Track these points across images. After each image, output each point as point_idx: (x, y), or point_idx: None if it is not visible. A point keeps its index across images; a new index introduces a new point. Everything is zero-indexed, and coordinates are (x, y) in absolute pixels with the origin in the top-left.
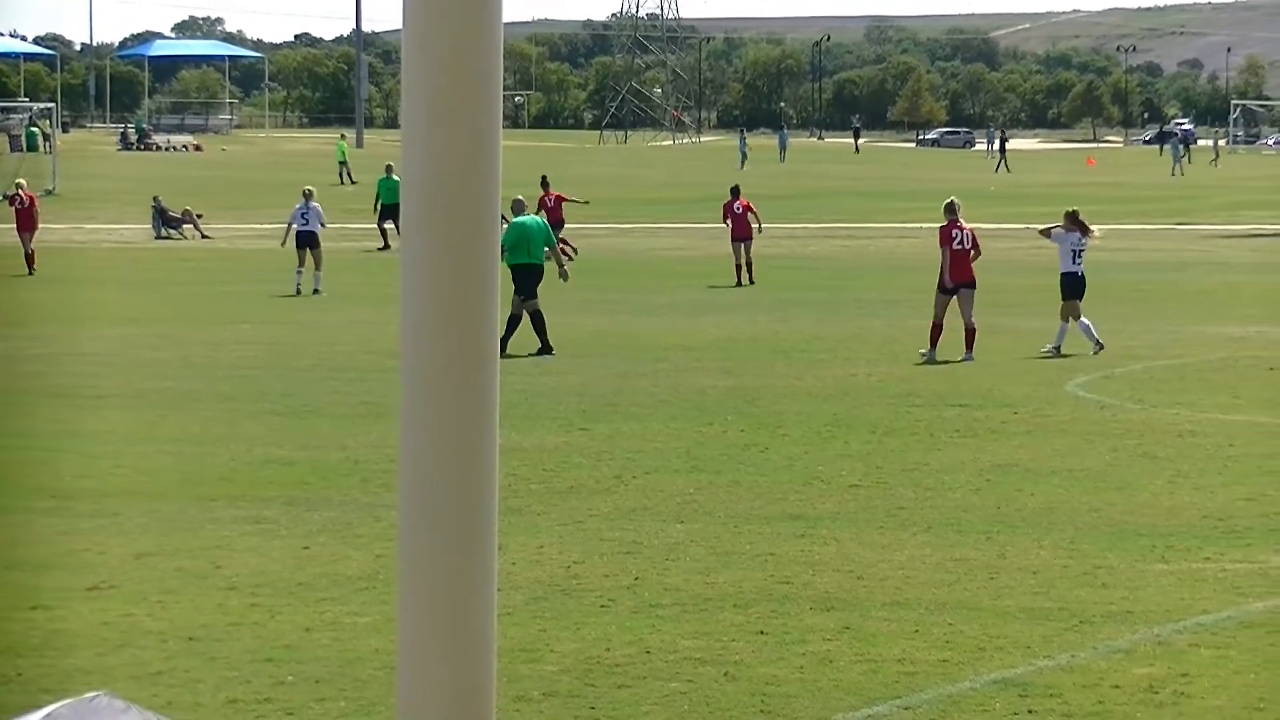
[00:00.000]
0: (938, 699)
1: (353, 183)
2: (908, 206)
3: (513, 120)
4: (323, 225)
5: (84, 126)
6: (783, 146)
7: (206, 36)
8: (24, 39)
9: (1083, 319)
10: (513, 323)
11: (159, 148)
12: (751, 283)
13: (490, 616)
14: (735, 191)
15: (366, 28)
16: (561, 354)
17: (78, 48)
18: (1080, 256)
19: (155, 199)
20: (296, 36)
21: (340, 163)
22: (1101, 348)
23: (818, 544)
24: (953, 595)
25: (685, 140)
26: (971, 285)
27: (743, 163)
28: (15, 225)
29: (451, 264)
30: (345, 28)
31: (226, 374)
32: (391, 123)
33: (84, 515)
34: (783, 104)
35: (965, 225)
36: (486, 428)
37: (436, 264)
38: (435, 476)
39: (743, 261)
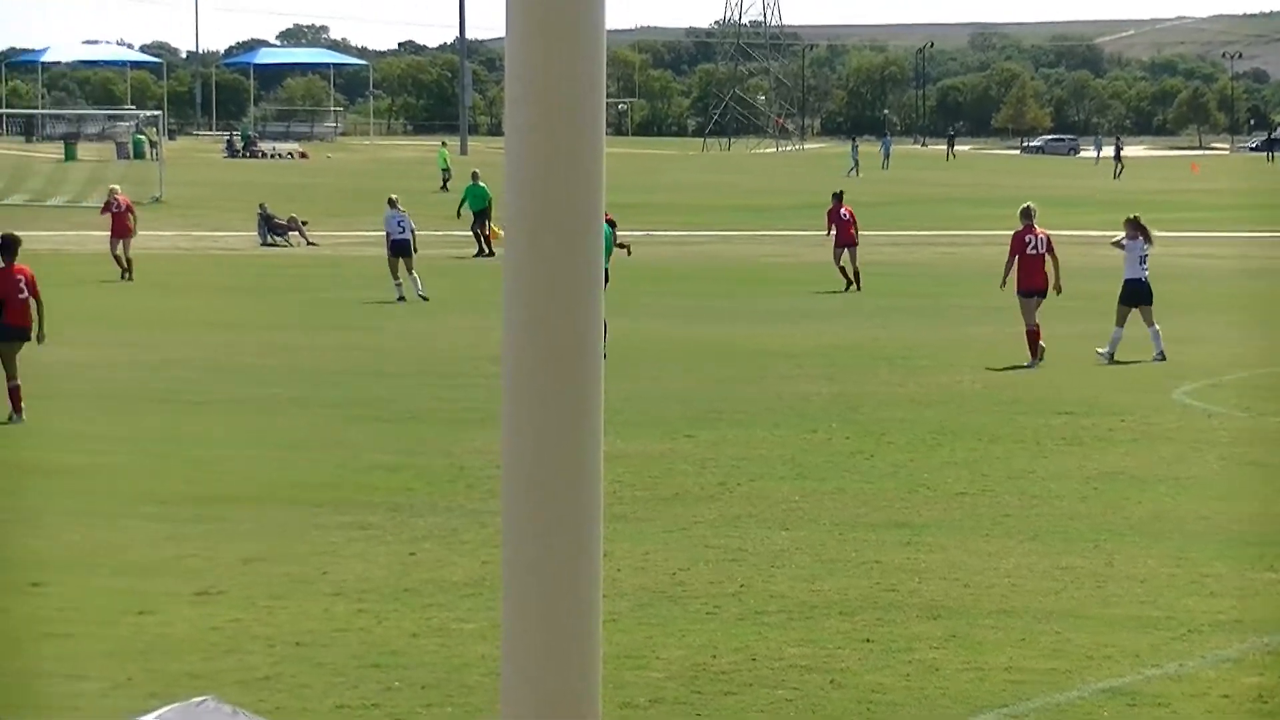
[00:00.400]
0: (1045, 708)
1: (447, 190)
2: (1007, 214)
3: (616, 128)
4: (413, 232)
5: (190, 134)
6: (886, 153)
7: (312, 44)
8: (131, 47)
9: (1153, 325)
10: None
11: (264, 155)
12: (858, 289)
13: (595, 623)
14: (838, 198)
15: (470, 35)
16: (665, 361)
17: (184, 56)
18: (1145, 263)
19: (261, 206)
20: (401, 44)
21: (442, 169)
22: (1111, 359)
23: (923, 552)
24: (1060, 603)
25: (789, 147)
26: (1044, 293)
27: (855, 170)
28: (110, 231)
29: (554, 271)
30: (449, 35)
31: (331, 380)
32: (495, 130)
33: (190, 520)
34: (886, 111)
35: (1040, 231)
36: (591, 434)
37: (539, 271)
38: (539, 483)
39: (847, 266)
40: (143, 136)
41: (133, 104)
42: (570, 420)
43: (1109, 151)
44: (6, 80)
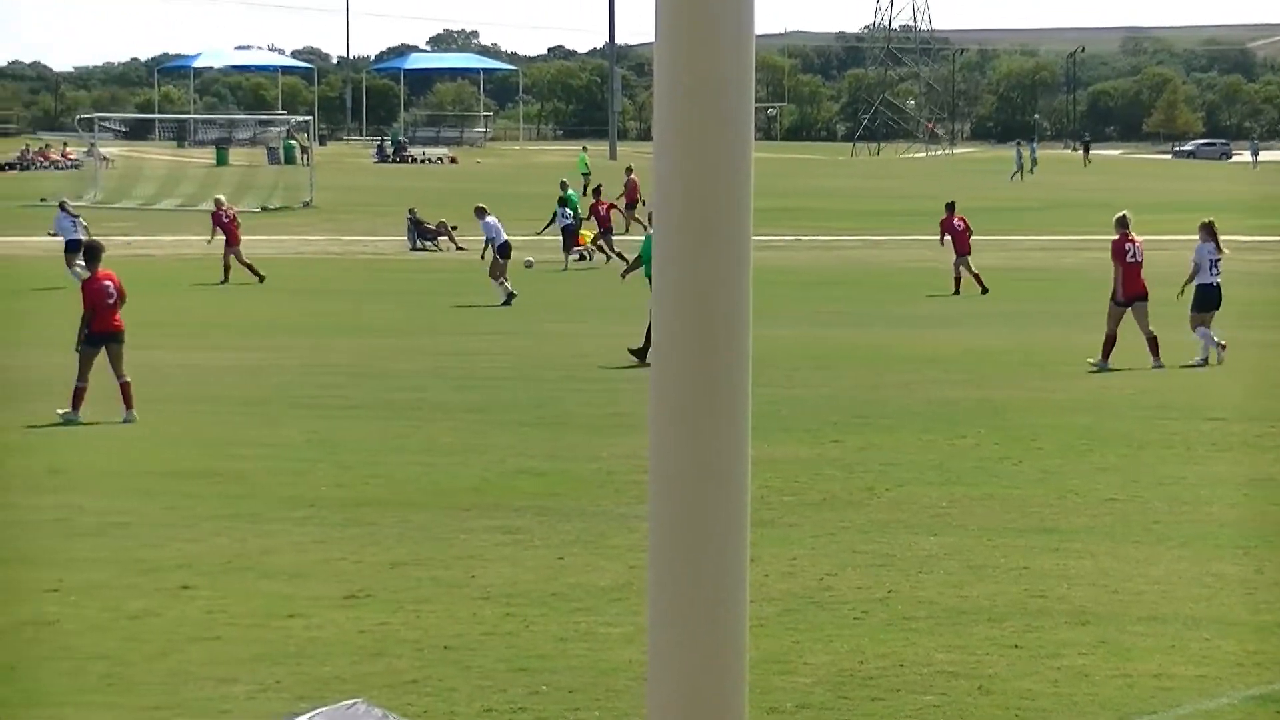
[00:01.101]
0: (1195, 714)
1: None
2: (1158, 219)
3: (765, 132)
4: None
5: (341, 139)
6: (1033, 159)
7: (462, 50)
8: (282, 52)
9: (1206, 328)
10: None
11: (414, 160)
12: (984, 291)
13: (742, 628)
14: (951, 207)
15: (620, 40)
16: (812, 366)
17: (335, 61)
18: (1217, 268)
19: (410, 211)
20: (550, 49)
21: (583, 174)
22: (1205, 363)
23: (1072, 558)
24: (1210, 610)
25: (938, 152)
26: (1145, 298)
27: (1020, 174)
28: (226, 240)
29: (704, 276)
30: (599, 41)
31: (477, 384)
32: (644, 135)
33: (339, 525)
34: (1036, 115)
35: (1136, 239)
36: (738, 439)
37: (689, 276)
38: (686, 488)
39: (966, 274)
40: (293, 142)
41: (284, 109)
42: (718, 425)
43: (1269, 155)
44: (159, 86)
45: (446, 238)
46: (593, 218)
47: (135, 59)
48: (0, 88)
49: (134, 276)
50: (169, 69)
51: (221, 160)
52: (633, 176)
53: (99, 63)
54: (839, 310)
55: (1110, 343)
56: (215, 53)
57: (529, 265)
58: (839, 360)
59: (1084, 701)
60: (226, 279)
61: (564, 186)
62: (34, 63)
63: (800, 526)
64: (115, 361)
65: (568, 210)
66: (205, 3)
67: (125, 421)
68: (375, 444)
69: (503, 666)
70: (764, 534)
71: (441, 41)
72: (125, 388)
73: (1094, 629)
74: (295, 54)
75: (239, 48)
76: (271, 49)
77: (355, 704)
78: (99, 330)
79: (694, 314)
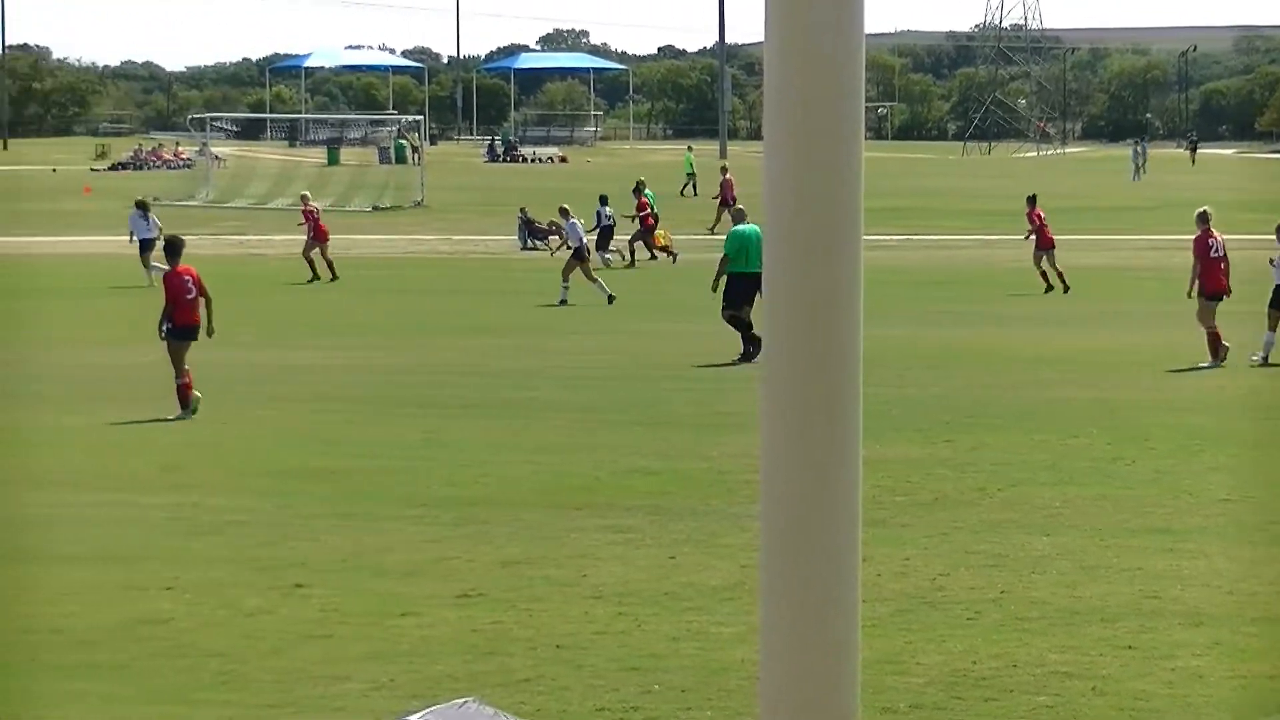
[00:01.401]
0: None
1: (695, 194)
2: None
3: (876, 131)
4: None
5: (451, 138)
6: (1145, 158)
7: (572, 49)
8: (393, 52)
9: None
10: (738, 324)
11: (525, 159)
12: (1066, 290)
13: (854, 628)
14: (1032, 201)
15: (730, 40)
16: (923, 365)
17: (445, 61)
18: None
19: (522, 210)
20: (660, 49)
21: (688, 174)
22: (1265, 364)
23: (1186, 559)
24: None
25: (1050, 151)
26: (1225, 295)
27: (1138, 173)
28: (311, 237)
29: (814, 276)
30: (709, 40)
31: (586, 383)
32: (754, 134)
33: (451, 523)
34: (1148, 115)
35: (1218, 235)
36: (849, 439)
37: (799, 276)
38: (797, 487)
39: (1049, 270)
40: (404, 141)
41: (395, 109)
42: (829, 425)
43: None
44: (271, 86)
45: (557, 237)
46: (636, 216)
47: (247, 59)
48: (114, 87)
49: (246, 276)
50: (280, 69)
51: (333, 160)
52: (728, 176)
53: (211, 62)
54: (950, 310)
55: (1215, 340)
56: (327, 52)
57: (607, 263)
58: (950, 360)
59: (1199, 703)
60: (316, 276)
61: (641, 185)
62: (146, 62)
63: (913, 526)
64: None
65: (607, 210)
66: (317, 3)
67: (179, 417)
68: (487, 443)
69: (615, 665)
70: (876, 534)
71: (552, 41)
72: (184, 388)
73: (1208, 630)
74: (406, 54)
75: (350, 47)
76: (382, 49)
77: (467, 703)
78: (183, 324)
79: (805, 314)
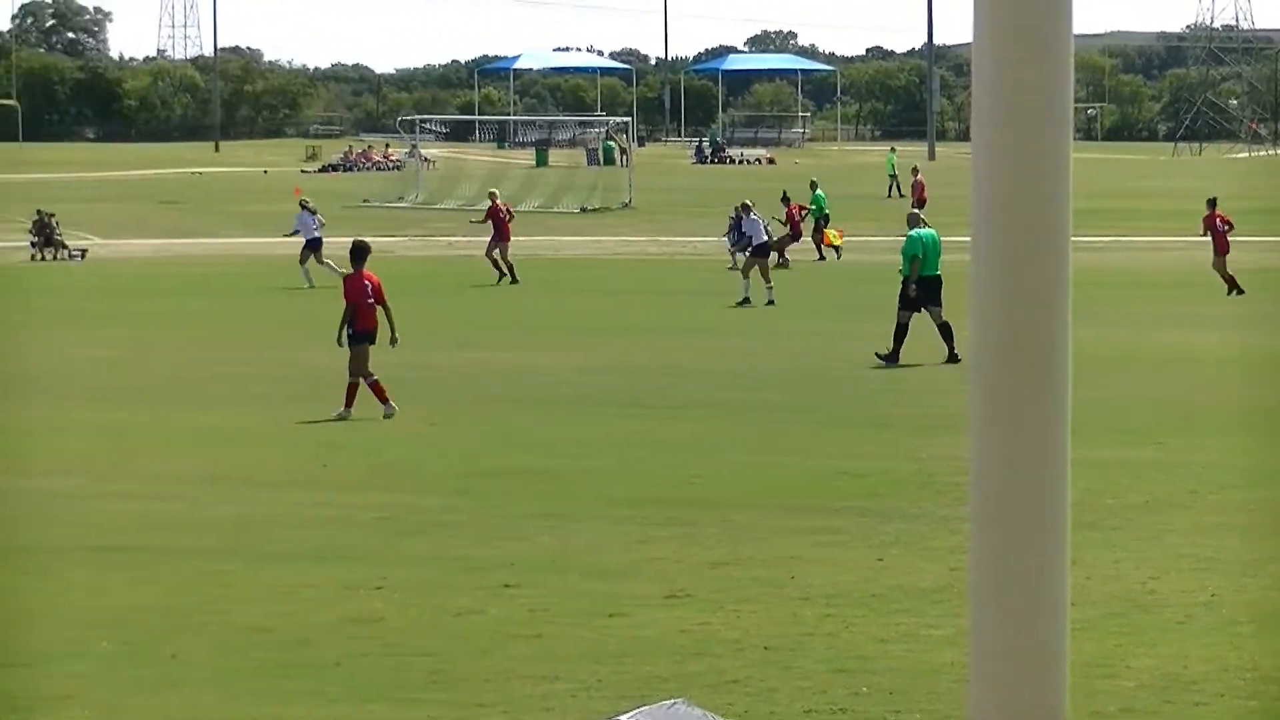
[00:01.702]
0: None
1: (900, 196)
2: None
3: (1085, 132)
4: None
5: (659, 140)
6: None
7: (779, 50)
8: (601, 54)
9: None
10: (902, 331)
11: (733, 160)
12: (1240, 293)
13: (1063, 631)
14: (1212, 204)
15: (938, 41)
16: (1132, 368)
17: (653, 62)
18: None
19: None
20: (869, 50)
21: (890, 175)
22: None
23: None
24: None
25: (1262, 152)
26: None
27: None
28: (495, 236)
29: (1022, 277)
30: (917, 41)
31: (790, 384)
32: (963, 135)
33: (660, 524)
34: None
35: None
36: (1058, 440)
37: (1007, 277)
38: (1007, 490)
39: (1225, 273)
40: (612, 143)
41: (603, 110)
42: (1038, 427)
43: None
44: (479, 88)
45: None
46: (787, 224)
47: (455, 61)
48: (324, 89)
49: (454, 277)
50: (489, 71)
51: (541, 161)
52: (919, 177)
53: (420, 64)
54: (1160, 312)
55: None
56: (535, 54)
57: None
58: (1160, 362)
59: None
60: (503, 276)
61: (814, 185)
62: (356, 64)
63: (1123, 529)
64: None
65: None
66: (524, 5)
67: (339, 418)
68: (695, 443)
69: (823, 667)
70: (1086, 537)
71: (759, 42)
72: (352, 389)
73: None
74: (614, 55)
75: (558, 49)
76: (590, 50)
77: (675, 704)
78: (362, 329)
79: (1013, 315)
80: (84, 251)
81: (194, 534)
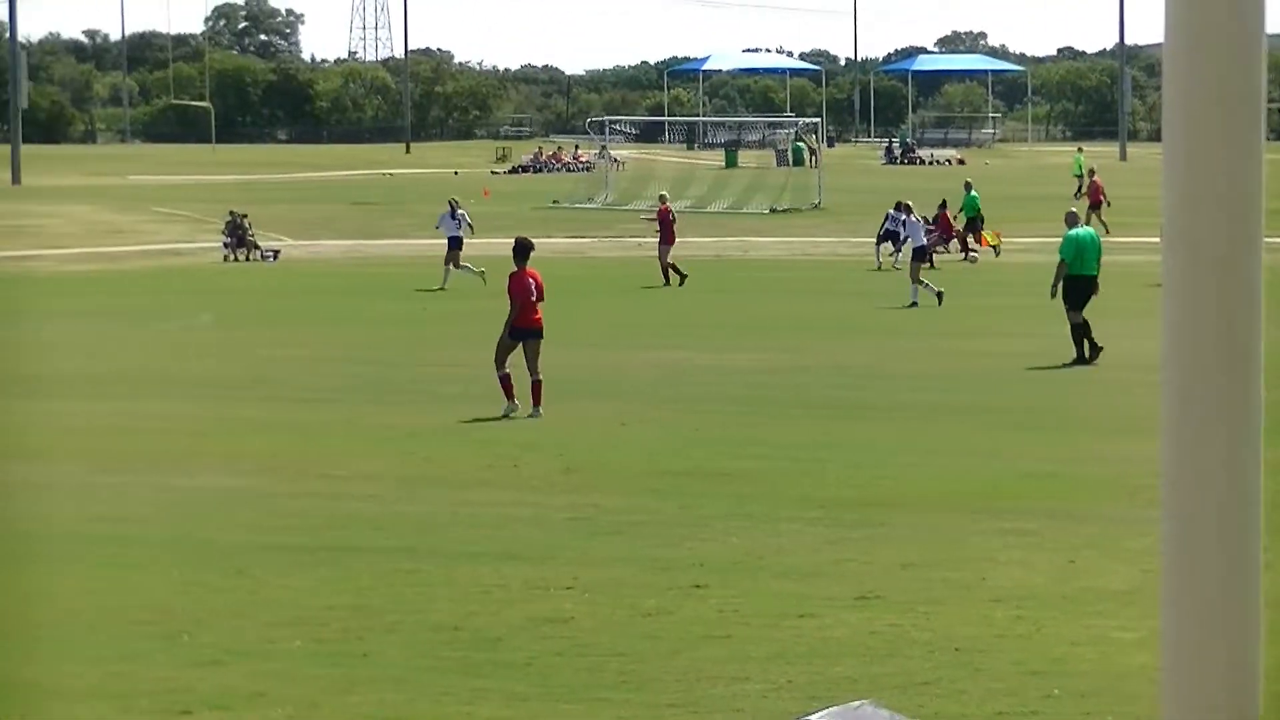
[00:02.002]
0: None
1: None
2: None
3: (1278, 132)
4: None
5: (849, 141)
6: None
7: (970, 51)
8: (790, 55)
9: None
10: (1079, 330)
11: (922, 161)
12: None
13: (1256, 635)
14: None
15: (1129, 41)
16: None
17: (843, 63)
18: None
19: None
20: (1060, 50)
21: (1076, 176)
22: None
23: None
24: None
25: None
26: None
27: None
28: (663, 240)
29: (1214, 278)
30: (1108, 41)
31: (976, 386)
32: (1154, 136)
33: (850, 525)
34: None
35: None
36: (1251, 443)
37: (1199, 278)
38: (1199, 492)
39: None
40: (802, 144)
41: (792, 111)
42: (1230, 429)
43: None
44: (669, 89)
45: (956, 240)
46: (936, 226)
47: (645, 62)
48: (514, 91)
49: (641, 278)
50: (678, 72)
51: (730, 162)
52: (1095, 179)
53: (610, 66)
54: None
55: None
56: (724, 55)
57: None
58: None
59: None
60: (669, 280)
61: (968, 186)
62: (546, 66)
63: None
64: (532, 359)
65: (902, 216)
66: (714, 6)
67: (531, 417)
68: (885, 444)
69: (1014, 669)
70: (1278, 539)
71: (949, 42)
72: (536, 385)
73: None
74: (803, 56)
75: (747, 50)
76: (780, 51)
77: (863, 705)
78: (520, 325)
79: (1205, 316)
80: (276, 252)
81: (385, 533)
